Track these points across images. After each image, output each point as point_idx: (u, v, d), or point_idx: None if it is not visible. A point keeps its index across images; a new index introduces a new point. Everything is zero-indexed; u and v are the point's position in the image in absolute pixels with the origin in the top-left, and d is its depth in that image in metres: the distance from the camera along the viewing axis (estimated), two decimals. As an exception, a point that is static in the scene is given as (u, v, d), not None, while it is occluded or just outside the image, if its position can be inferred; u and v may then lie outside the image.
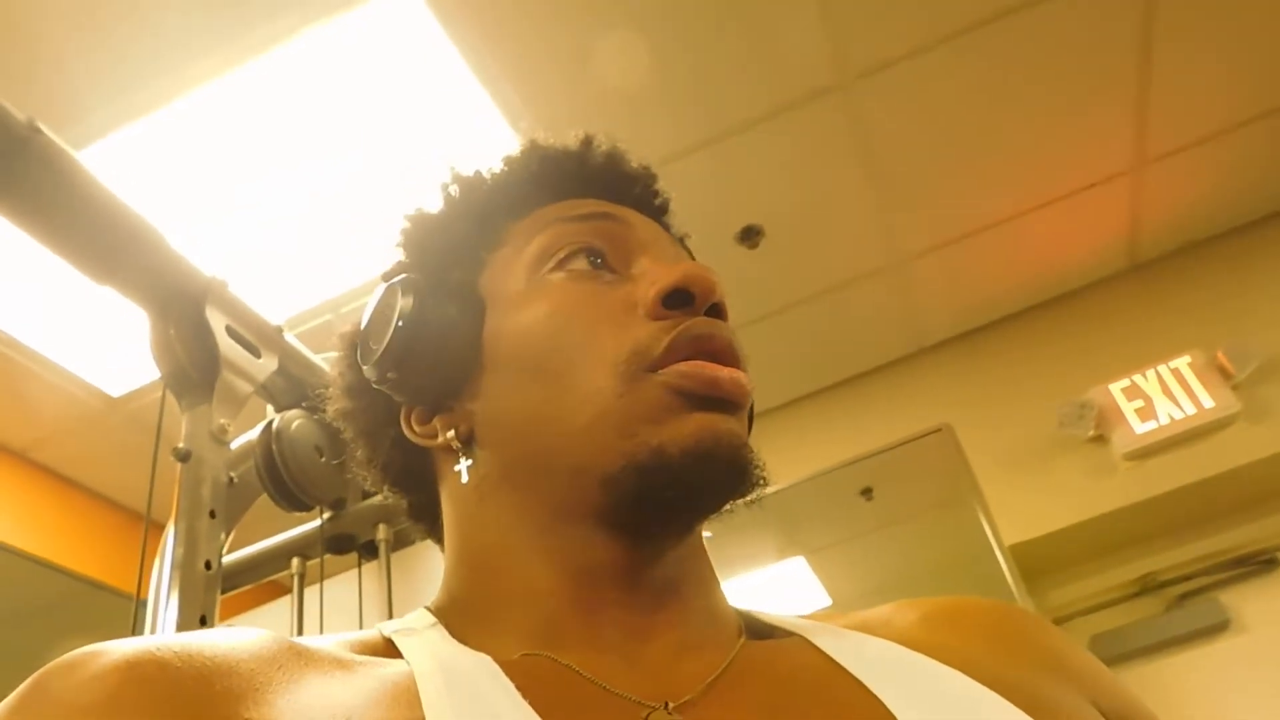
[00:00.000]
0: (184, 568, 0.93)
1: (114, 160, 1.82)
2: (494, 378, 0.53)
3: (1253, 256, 2.59)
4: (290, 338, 1.23)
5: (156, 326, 1.07)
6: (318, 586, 1.24)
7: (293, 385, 1.23)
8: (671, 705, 0.43)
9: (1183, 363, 2.49)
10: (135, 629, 0.96)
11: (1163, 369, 2.50)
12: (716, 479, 0.48)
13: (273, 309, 1.21)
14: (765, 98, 2.01)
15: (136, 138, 1.81)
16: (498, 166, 0.61)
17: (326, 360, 1.30)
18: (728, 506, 0.50)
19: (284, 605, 1.28)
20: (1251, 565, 2.44)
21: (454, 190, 0.61)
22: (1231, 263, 2.60)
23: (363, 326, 0.57)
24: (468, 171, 0.61)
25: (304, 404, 1.22)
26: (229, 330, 1.10)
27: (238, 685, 0.41)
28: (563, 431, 0.49)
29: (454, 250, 0.58)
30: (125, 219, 1.01)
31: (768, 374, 2.70)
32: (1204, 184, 2.48)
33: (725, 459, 0.47)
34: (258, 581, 1.28)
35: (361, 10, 1.67)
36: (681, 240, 0.63)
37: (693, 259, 0.62)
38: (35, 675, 0.41)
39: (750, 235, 2.32)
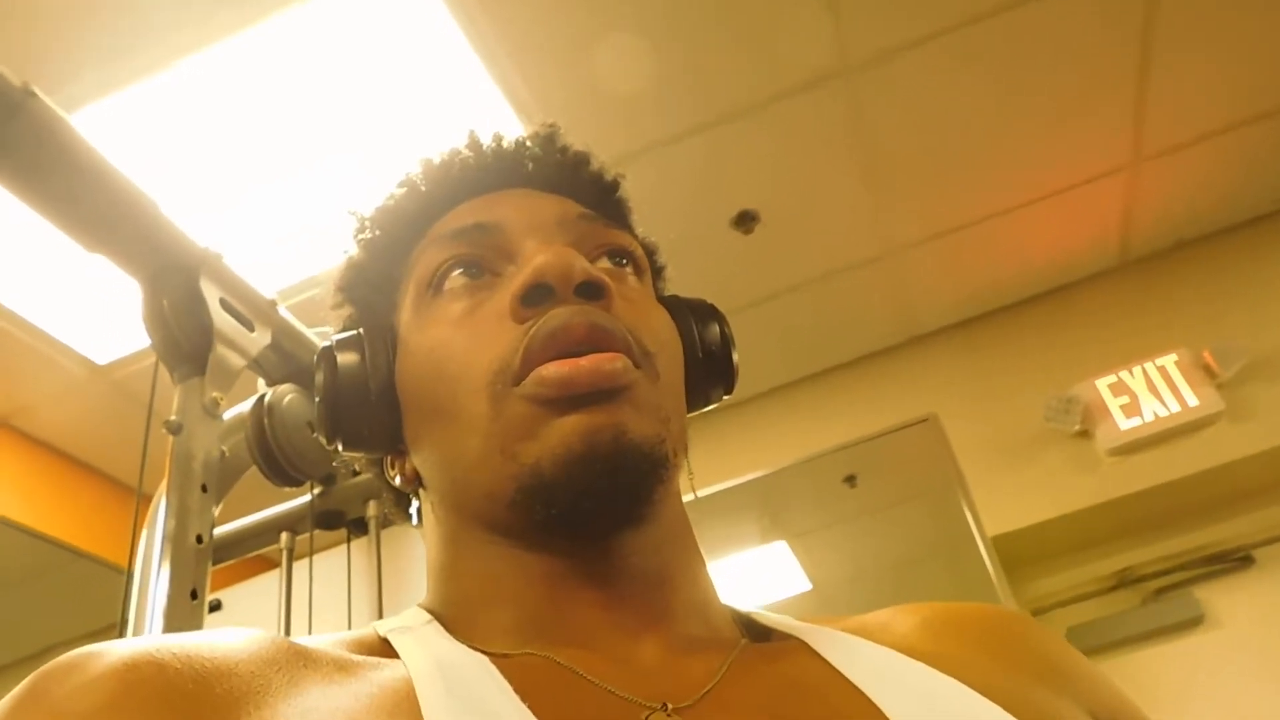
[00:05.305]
0: (175, 541, 0.92)
1: (106, 125, 1.79)
2: (410, 419, 0.53)
3: (1242, 257, 2.61)
4: (284, 311, 1.22)
5: (149, 298, 1.06)
6: (306, 561, 1.24)
7: (285, 359, 1.23)
8: (671, 707, 0.43)
9: (1169, 361, 2.51)
10: (125, 600, 0.95)
11: (1149, 366, 2.52)
12: (600, 480, 0.45)
13: (261, 281, 1.19)
14: (767, 83, 2.00)
15: (128, 103, 1.78)
16: (399, 192, 0.59)
17: (320, 335, 1.29)
18: (643, 493, 0.47)
19: (272, 579, 1.27)
20: (1228, 562, 2.47)
21: (370, 230, 0.59)
22: (1221, 263, 2.62)
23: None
24: (382, 203, 0.59)
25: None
26: (223, 303, 1.09)
27: (237, 688, 0.40)
28: (464, 465, 0.49)
29: (376, 293, 0.58)
30: (119, 187, 1.00)
31: (757, 359, 2.70)
32: (1197, 183, 2.49)
33: (604, 456, 0.45)
34: (245, 555, 1.27)
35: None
36: (608, 190, 0.60)
37: (623, 211, 0.60)
38: (32, 677, 0.41)
39: (745, 221, 2.32)
